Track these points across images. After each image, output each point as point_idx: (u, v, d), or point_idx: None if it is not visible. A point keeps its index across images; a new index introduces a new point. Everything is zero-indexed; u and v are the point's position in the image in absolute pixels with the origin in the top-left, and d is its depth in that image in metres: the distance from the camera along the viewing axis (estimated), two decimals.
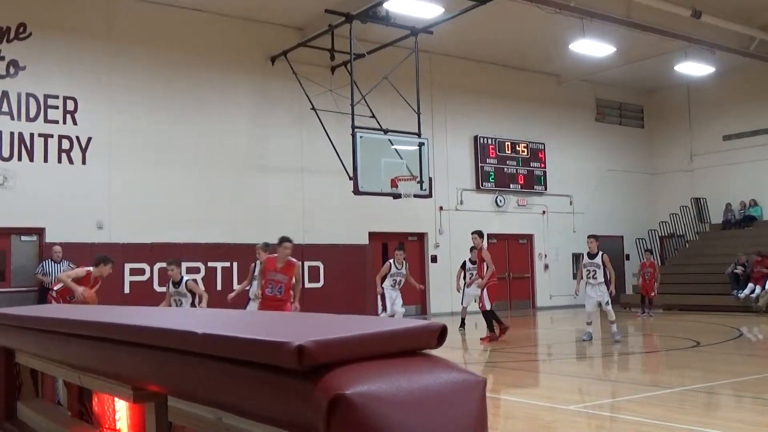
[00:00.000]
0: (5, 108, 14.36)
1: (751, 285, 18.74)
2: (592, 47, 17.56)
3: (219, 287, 16.20)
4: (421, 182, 15.56)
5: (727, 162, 22.93)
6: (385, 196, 15.64)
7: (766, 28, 18.68)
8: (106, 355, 2.64)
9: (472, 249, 13.80)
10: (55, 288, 9.94)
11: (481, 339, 12.84)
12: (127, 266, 14.96)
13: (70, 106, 15.01)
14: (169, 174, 15.87)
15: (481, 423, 1.61)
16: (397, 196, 15.51)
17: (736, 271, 19.15)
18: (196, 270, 15.92)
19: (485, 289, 12.77)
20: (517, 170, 21.60)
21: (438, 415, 1.54)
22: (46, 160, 14.66)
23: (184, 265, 15.59)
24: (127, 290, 14.90)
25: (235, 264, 16.40)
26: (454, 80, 20.30)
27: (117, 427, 2.86)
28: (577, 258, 22.73)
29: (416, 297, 17.95)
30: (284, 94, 17.33)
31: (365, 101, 15.85)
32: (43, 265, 13.89)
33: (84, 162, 15.07)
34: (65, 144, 14.91)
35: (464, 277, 14.47)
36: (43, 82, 14.72)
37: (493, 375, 9.19)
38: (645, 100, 25.37)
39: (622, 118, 24.89)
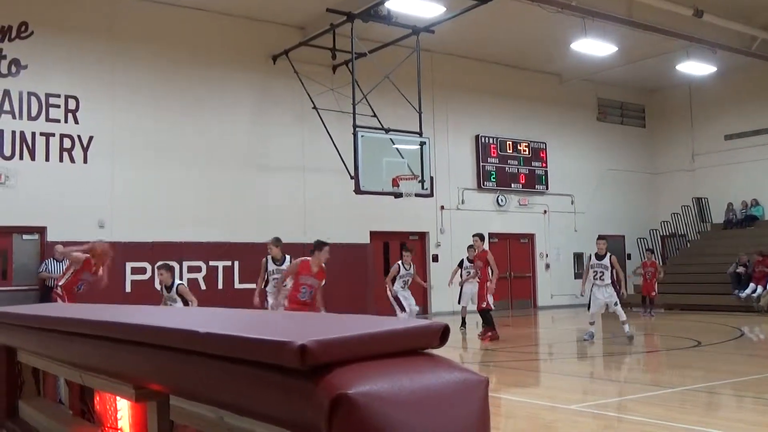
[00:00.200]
0: (7, 107, 14.37)
1: (752, 285, 18.74)
2: (594, 47, 17.55)
3: (220, 286, 16.23)
4: (422, 181, 15.57)
5: (728, 161, 22.92)
6: (386, 195, 15.65)
7: None
8: (107, 353, 2.65)
9: (470, 247, 13.93)
10: (59, 283, 9.97)
11: (479, 336, 12.95)
12: (129, 265, 14.97)
13: (72, 105, 15.02)
14: (171, 173, 15.88)
15: (483, 423, 1.61)
16: (398, 195, 15.52)
17: (738, 271, 19.13)
18: (197, 269, 15.94)
19: (486, 289, 12.92)
20: (518, 170, 21.59)
21: (440, 414, 1.54)
22: (47, 159, 14.67)
23: (186, 263, 15.74)
24: (128, 289, 14.91)
25: (236, 263, 16.41)
26: (456, 79, 20.29)
27: (119, 426, 2.86)
28: (578, 257, 22.77)
29: (418, 296, 17.92)
30: (286, 93, 17.33)
31: (366, 100, 15.84)
32: (45, 264, 13.91)
33: (85, 161, 15.07)
34: (67, 143, 14.91)
35: (460, 275, 14.55)
36: (45, 81, 14.73)
37: (495, 374, 9.19)
38: (646, 99, 25.36)
39: (624, 117, 24.87)
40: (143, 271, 15.25)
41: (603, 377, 9.41)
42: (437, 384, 1.59)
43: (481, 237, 13.29)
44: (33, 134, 14.57)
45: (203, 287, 15.73)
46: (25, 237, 14.64)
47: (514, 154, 21.51)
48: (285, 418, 1.67)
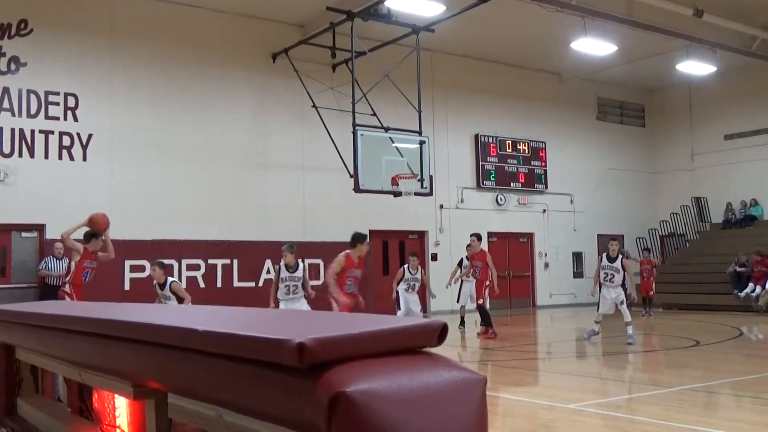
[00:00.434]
0: (6, 104, 14.36)
1: (751, 284, 18.75)
2: (594, 46, 17.56)
3: (219, 284, 16.23)
4: (421, 180, 15.57)
5: (728, 161, 22.93)
6: (385, 194, 15.66)
7: None
8: (106, 351, 2.64)
9: (468, 246, 14.04)
10: (66, 280, 10.00)
11: (478, 334, 13.11)
12: (128, 263, 14.97)
13: (71, 102, 15.01)
14: (170, 171, 15.88)
15: (481, 421, 1.60)
16: (397, 194, 15.53)
17: (739, 270, 19.12)
18: (196, 267, 15.95)
19: (486, 289, 13.11)
20: (517, 169, 21.59)
21: (438, 413, 1.54)
22: (46, 157, 14.67)
23: (184, 261, 15.74)
24: (127, 287, 14.92)
25: (235, 261, 16.42)
26: (455, 78, 20.29)
27: (117, 424, 2.86)
28: (577, 257, 22.80)
29: (419, 295, 17.96)
30: (285, 91, 17.32)
31: (366, 99, 15.84)
32: (45, 262, 13.90)
33: (85, 159, 15.07)
34: (66, 140, 14.91)
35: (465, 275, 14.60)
36: (44, 79, 14.72)
37: (493, 373, 9.19)
38: (646, 99, 25.36)
39: (624, 117, 24.88)
40: (142, 269, 15.24)
41: (602, 376, 9.42)
42: (436, 382, 1.59)
43: (478, 237, 13.54)
44: (32, 132, 14.56)
45: (202, 285, 15.74)
46: (24, 234, 14.63)
47: (514, 153, 21.52)
48: (284, 416, 1.67)
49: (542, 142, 22.06)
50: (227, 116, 16.75)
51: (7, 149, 14.29)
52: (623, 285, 12.02)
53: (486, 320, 13.08)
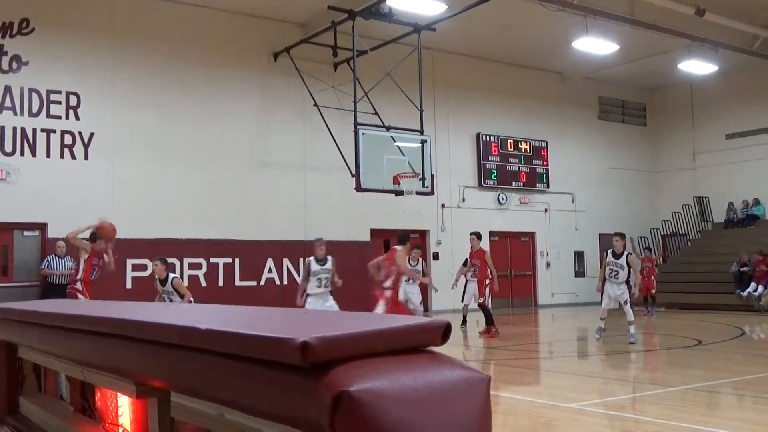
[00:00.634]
0: (8, 103, 14.37)
1: (753, 284, 18.73)
2: (595, 45, 17.54)
3: (221, 283, 16.24)
4: (423, 179, 15.57)
5: (729, 160, 22.91)
6: (387, 193, 15.66)
7: None
8: (108, 350, 2.64)
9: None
10: (77, 278, 10.12)
11: (480, 333, 13.15)
12: (129, 262, 14.98)
13: (73, 101, 15.02)
14: (172, 170, 15.88)
15: (485, 420, 1.60)
16: (399, 193, 15.53)
17: (742, 270, 19.09)
18: (198, 266, 15.96)
19: (487, 287, 13.16)
20: (519, 168, 21.58)
21: (442, 412, 1.54)
22: (48, 156, 14.68)
23: (186, 260, 15.75)
24: (129, 286, 14.93)
25: (236, 260, 16.43)
26: (457, 77, 20.28)
27: (119, 423, 2.86)
28: (579, 256, 22.78)
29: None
30: (287, 90, 17.32)
31: (368, 98, 15.84)
32: (47, 261, 13.91)
33: (86, 157, 15.08)
34: (68, 139, 14.91)
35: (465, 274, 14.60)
36: (46, 78, 14.72)
37: (495, 372, 9.19)
38: (648, 98, 25.34)
39: (625, 116, 24.86)
40: (144, 267, 15.25)
41: (603, 376, 9.41)
42: (439, 381, 1.59)
43: (477, 235, 13.60)
44: (34, 130, 14.57)
45: (204, 284, 15.74)
46: (25, 233, 14.64)
47: (515, 152, 21.50)
48: (287, 414, 1.67)
49: (544, 141, 22.05)
50: (229, 115, 16.75)
51: (9, 148, 14.30)
52: (628, 282, 11.94)
53: (488, 319, 13.16)
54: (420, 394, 1.53)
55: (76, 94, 15.05)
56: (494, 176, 21.03)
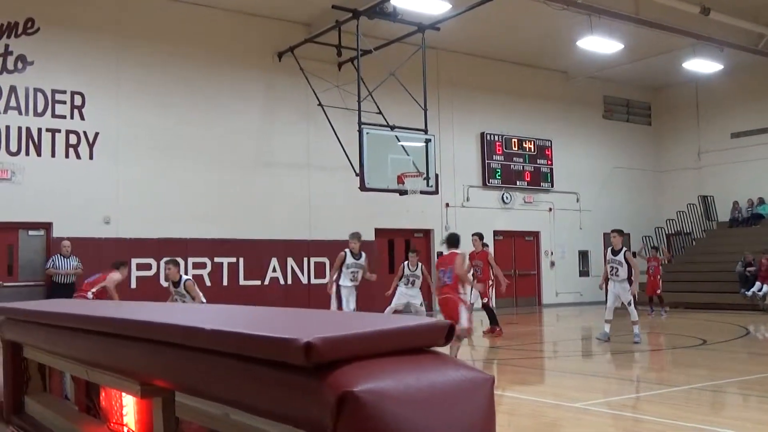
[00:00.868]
0: (13, 103, 14.41)
1: (758, 283, 18.68)
2: (600, 44, 17.51)
3: (225, 282, 16.26)
4: (427, 179, 15.57)
5: (734, 160, 22.85)
6: (391, 192, 15.66)
7: None
8: (113, 350, 2.65)
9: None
10: (92, 290, 10.34)
11: (484, 332, 13.18)
12: (134, 261, 15.01)
13: (78, 101, 15.05)
14: (176, 169, 15.91)
15: (488, 421, 1.60)
16: (403, 192, 15.53)
17: (749, 270, 19.03)
18: (203, 265, 15.98)
19: (491, 288, 13.24)
20: (523, 167, 21.56)
21: (446, 412, 1.54)
22: (53, 155, 14.71)
23: (191, 260, 15.77)
24: (133, 285, 14.95)
25: (241, 259, 16.45)
26: (461, 77, 20.27)
27: (124, 422, 2.87)
28: (583, 255, 22.75)
29: (424, 293, 17.94)
30: (291, 90, 17.33)
31: (372, 97, 15.84)
32: (52, 260, 13.94)
33: (91, 157, 15.11)
34: (72, 139, 14.95)
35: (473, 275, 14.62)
36: (51, 77, 14.76)
37: (499, 372, 9.19)
38: (653, 97, 25.29)
39: (630, 115, 24.82)
40: (148, 267, 15.29)
41: (608, 375, 9.40)
42: (443, 382, 1.59)
43: (480, 236, 13.59)
44: (39, 130, 14.61)
45: (208, 283, 15.76)
46: (31, 233, 14.68)
47: (520, 151, 21.49)
48: (291, 415, 1.67)
49: (548, 141, 22.03)
50: (233, 115, 16.77)
51: (14, 148, 14.34)
52: (630, 279, 11.73)
53: (492, 319, 13.18)
54: (424, 395, 1.53)
55: (81, 94, 15.09)
56: (498, 175, 21.02)
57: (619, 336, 12.42)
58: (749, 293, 18.69)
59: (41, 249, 14.68)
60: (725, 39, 18.17)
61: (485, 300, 13.30)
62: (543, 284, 22.06)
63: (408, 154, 15.57)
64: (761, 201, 22.37)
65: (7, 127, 14.30)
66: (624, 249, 11.90)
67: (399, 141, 15.56)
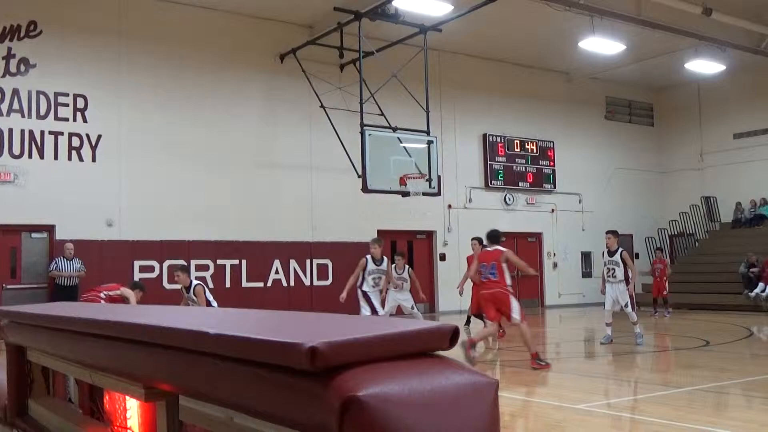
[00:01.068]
0: (16, 105, 14.43)
1: (761, 284, 18.66)
2: (602, 45, 17.52)
3: (228, 284, 16.28)
4: (429, 180, 15.57)
5: (737, 160, 22.83)
6: (393, 194, 15.66)
7: None
8: (117, 353, 2.65)
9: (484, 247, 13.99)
10: (107, 291, 10.46)
11: None
12: (137, 263, 15.04)
13: (81, 103, 15.08)
14: (179, 171, 15.93)
15: (493, 425, 1.60)
16: (405, 194, 15.52)
17: (752, 271, 19.00)
18: (205, 267, 16.00)
19: None
20: (526, 168, 21.56)
21: (450, 417, 1.54)
22: (56, 158, 14.74)
23: (193, 262, 15.78)
24: None
25: (243, 261, 16.47)
26: (463, 78, 20.27)
27: (128, 426, 2.87)
28: (586, 257, 22.73)
29: (426, 293, 17.94)
30: (293, 91, 17.35)
31: (374, 99, 15.85)
32: (55, 262, 13.96)
33: (94, 159, 15.13)
34: (75, 141, 14.97)
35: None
36: (54, 80, 14.79)
37: (501, 373, 9.19)
38: (655, 98, 25.28)
39: (632, 116, 24.81)
40: (151, 269, 15.31)
41: (611, 377, 9.39)
42: (447, 386, 1.59)
43: (479, 240, 13.29)
44: (42, 133, 14.63)
45: (211, 285, 15.74)
46: (34, 235, 14.71)
47: (522, 152, 21.48)
48: (295, 419, 1.67)
49: (550, 142, 22.02)
50: (235, 117, 16.79)
51: (17, 150, 14.36)
52: (627, 280, 11.66)
53: None
54: (428, 399, 1.53)
55: (84, 97, 15.11)
56: (501, 177, 21.02)
57: (622, 337, 12.40)
58: (752, 294, 18.67)
59: (44, 251, 14.70)
60: (727, 39, 18.17)
61: None
62: (546, 285, 22.05)
63: (410, 156, 15.58)
64: (764, 202, 22.34)
65: (10, 130, 14.33)
66: (620, 249, 11.82)
67: (401, 142, 15.57)
